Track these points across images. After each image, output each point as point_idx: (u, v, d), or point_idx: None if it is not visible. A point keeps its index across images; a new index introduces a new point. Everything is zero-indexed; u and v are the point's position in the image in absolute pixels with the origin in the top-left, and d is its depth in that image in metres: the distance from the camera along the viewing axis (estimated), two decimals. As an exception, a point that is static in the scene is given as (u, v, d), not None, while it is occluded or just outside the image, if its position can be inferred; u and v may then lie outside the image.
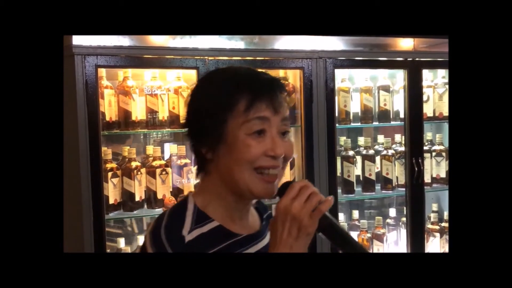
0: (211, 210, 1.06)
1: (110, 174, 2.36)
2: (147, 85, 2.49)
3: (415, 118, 2.74)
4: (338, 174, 2.70)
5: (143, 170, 2.50)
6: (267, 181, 1.03)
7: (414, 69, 2.72)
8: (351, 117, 2.82)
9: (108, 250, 2.35)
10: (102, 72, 2.36)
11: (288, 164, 1.12)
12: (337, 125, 2.62)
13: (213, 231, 1.04)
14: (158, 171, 2.50)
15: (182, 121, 2.50)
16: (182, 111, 2.50)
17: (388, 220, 2.93)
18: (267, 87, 1.03)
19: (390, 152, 2.90)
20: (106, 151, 2.40)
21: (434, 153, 3.00)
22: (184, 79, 2.55)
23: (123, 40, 2.20)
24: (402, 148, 2.89)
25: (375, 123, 2.91)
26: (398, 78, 2.96)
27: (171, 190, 2.55)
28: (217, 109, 1.02)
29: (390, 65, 2.75)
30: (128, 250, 2.49)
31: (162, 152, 2.62)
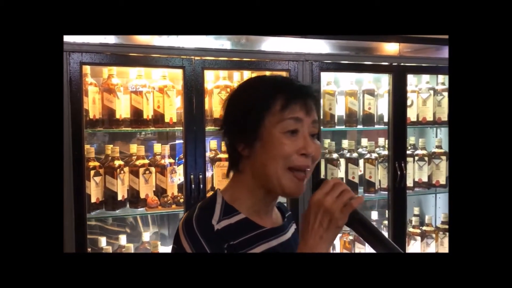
0: (239, 205, 1.14)
1: (92, 172, 2.34)
2: (132, 84, 2.47)
3: (398, 122, 2.76)
4: (322, 176, 2.71)
5: (126, 169, 2.48)
6: (298, 178, 1.10)
7: (399, 74, 2.75)
8: (335, 120, 2.83)
9: (89, 250, 2.32)
10: (87, 69, 2.34)
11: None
12: (322, 127, 2.63)
13: (239, 223, 1.12)
14: (141, 170, 2.48)
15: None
16: (167, 110, 2.49)
17: (370, 223, 2.95)
18: (300, 91, 1.13)
19: (374, 155, 2.93)
20: (89, 149, 2.37)
21: (416, 158, 3.04)
22: (169, 78, 2.53)
23: (108, 38, 2.17)
24: (386, 152, 2.91)
25: (360, 127, 2.93)
26: (383, 82, 2.98)
27: (154, 189, 2.53)
28: (255, 108, 1.11)
29: (375, 69, 2.77)
30: (110, 249, 2.47)
31: (146, 151, 2.60)
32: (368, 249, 2.82)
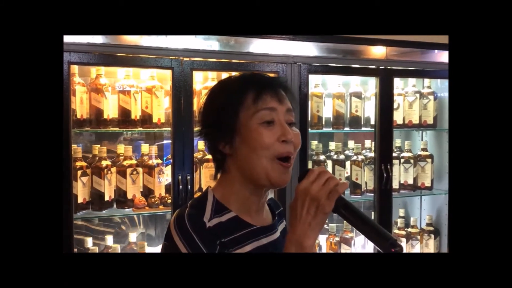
0: (229, 203, 1.16)
1: (79, 172, 2.32)
2: (120, 84, 2.46)
3: (385, 125, 2.79)
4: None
5: (114, 169, 2.47)
6: (283, 166, 1.13)
7: (385, 77, 2.77)
8: (323, 122, 2.85)
9: (75, 250, 2.31)
10: (75, 68, 2.33)
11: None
12: (309, 129, 2.65)
13: (230, 221, 1.14)
14: (128, 170, 2.47)
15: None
16: (155, 111, 2.49)
17: (356, 225, 2.97)
18: (269, 82, 1.18)
19: (360, 157, 2.95)
20: (76, 149, 2.36)
21: (402, 160, 3.07)
22: (158, 79, 2.53)
23: (96, 37, 2.16)
24: (372, 154, 2.94)
25: (346, 129, 2.96)
26: (370, 85, 3.01)
27: (141, 190, 2.52)
28: (229, 105, 1.13)
29: (362, 72, 2.80)
30: (96, 250, 2.45)
31: (134, 151, 2.59)
32: (354, 250, 2.84)
